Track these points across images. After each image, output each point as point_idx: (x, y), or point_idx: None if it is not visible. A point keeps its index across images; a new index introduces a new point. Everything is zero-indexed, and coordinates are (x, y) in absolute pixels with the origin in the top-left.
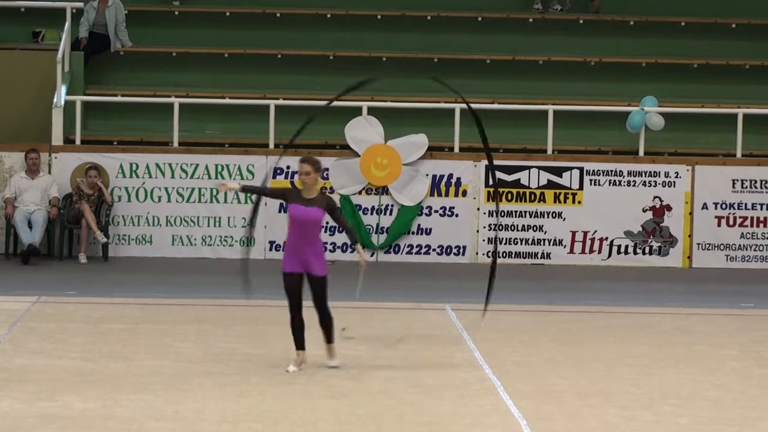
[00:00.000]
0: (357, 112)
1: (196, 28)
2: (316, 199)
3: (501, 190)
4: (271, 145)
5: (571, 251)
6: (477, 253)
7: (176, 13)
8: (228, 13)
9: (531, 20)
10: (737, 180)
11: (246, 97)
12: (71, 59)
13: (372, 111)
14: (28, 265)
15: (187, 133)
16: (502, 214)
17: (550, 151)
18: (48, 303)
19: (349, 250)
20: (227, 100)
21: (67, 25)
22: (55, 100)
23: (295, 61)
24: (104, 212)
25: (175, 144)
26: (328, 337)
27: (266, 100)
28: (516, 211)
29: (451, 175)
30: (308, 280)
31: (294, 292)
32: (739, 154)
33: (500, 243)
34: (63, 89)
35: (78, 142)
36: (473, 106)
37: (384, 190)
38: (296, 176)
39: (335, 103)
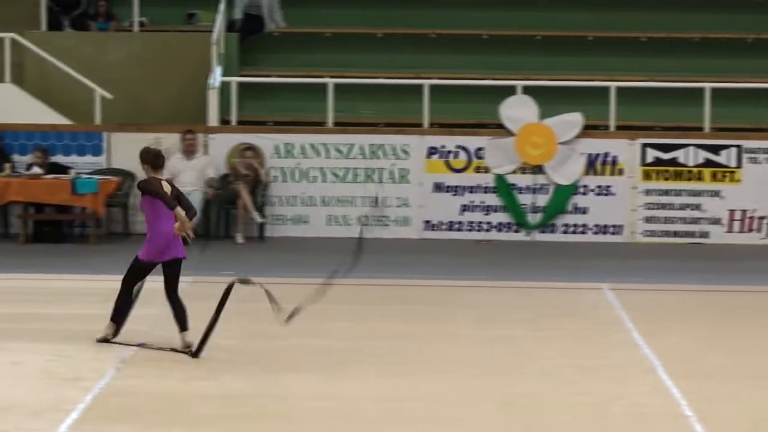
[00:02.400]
0: (512, 91)
1: (350, 8)
2: None
3: (657, 168)
4: (426, 125)
5: (729, 230)
6: (634, 232)
7: None
8: None
9: None
10: None
11: (400, 77)
12: (226, 40)
13: (527, 90)
14: (186, 246)
15: (341, 113)
16: (660, 192)
17: (707, 129)
18: (205, 283)
19: (504, 229)
20: (381, 80)
21: (222, 6)
22: (210, 81)
23: (449, 40)
24: (260, 192)
25: (330, 124)
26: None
27: (420, 80)
28: (673, 190)
29: (606, 154)
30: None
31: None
32: None
33: (657, 222)
34: (218, 71)
35: (234, 122)
36: (626, 84)
37: (539, 170)
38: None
39: (490, 82)
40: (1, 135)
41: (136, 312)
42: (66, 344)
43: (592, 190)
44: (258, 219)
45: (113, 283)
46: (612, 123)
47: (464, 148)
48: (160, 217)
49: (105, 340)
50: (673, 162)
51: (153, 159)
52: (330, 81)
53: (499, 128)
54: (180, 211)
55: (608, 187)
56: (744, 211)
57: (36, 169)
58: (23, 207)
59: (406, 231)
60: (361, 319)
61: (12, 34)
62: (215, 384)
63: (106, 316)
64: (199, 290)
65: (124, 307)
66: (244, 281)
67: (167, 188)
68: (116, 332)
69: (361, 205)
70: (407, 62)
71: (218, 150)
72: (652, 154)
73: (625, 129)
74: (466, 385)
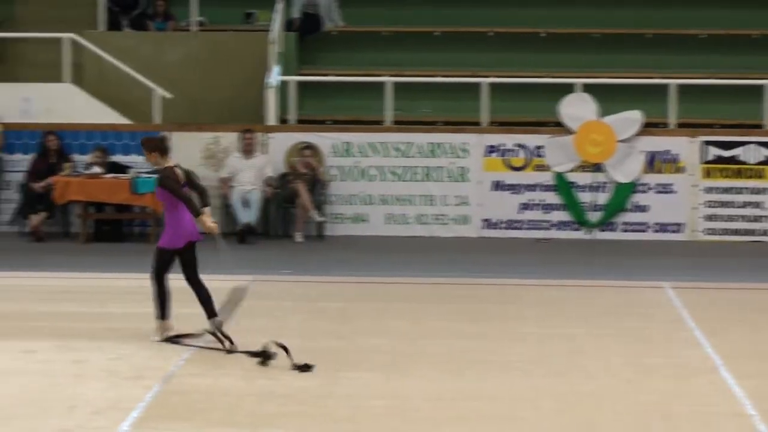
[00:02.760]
0: (571, 89)
1: (408, 7)
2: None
3: (718, 166)
4: (484, 123)
5: None
6: (694, 231)
7: None
8: None
9: None
10: None
11: (458, 75)
12: (284, 40)
13: (586, 88)
14: (245, 245)
15: (400, 111)
16: (721, 190)
17: None
18: (265, 282)
19: (564, 228)
20: (439, 79)
21: (280, 5)
22: (269, 80)
23: (507, 38)
24: (319, 191)
25: (388, 123)
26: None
27: (478, 78)
28: (734, 188)
29: (667, 152)
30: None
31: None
32: None
33: (718, 220)
34: (276, 70)
35: (292, 122)
36: (686, 81)
37: (599, 168)
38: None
39: (549, 80)
40: (60, 135)
41: (198, 311)
42: (127, 343)
43: (652, 188)
44: (317, 218)
45: (174, 282)
46: (672, 120)
47: (523, 147)
48: (180, 205)
49: (167, 340)
50: (733, 160)
51: (161, 145)
52: (388, 80)
53: (558, 126)
54: (204, 218)
55: (668, 185)
56: None
57: (95, 169)
58: (83, 206)
59: (465, 229)
60: (420, 318)
61: (71, 35)
62: (276, 383)
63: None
64: (259, 289)
65: (165, 300)
66: (281, 346)
67: (179, 174)
68: (170, 327)
69: (419, 204)
70: (465, 60)
71: (277, 149)
72: (712, 152)
73: (685, 126)
74: (526, 384)
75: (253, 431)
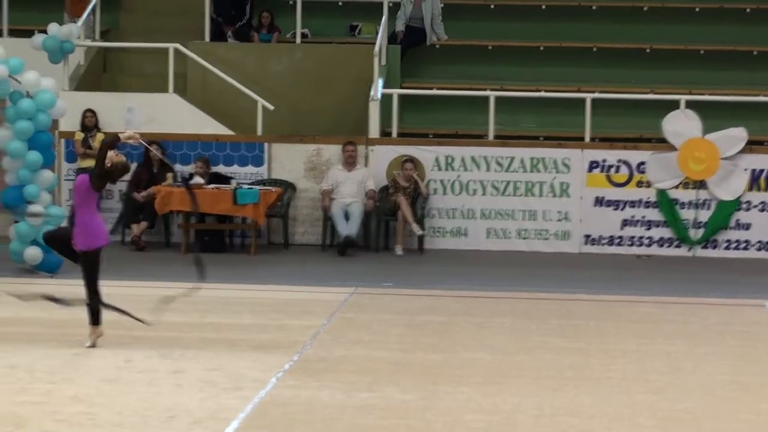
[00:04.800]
0: (675, 105)
1: (512, 21)
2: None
3: None
4: (587, 139)
5: None
6: None
7: (492, 6)
8: (544, 6)
9: None
10: None
11: (561, 90)
12: (388, 53)
13: (690, 104)
14: (345, 257)
15: (501, 126)
16: None
17: None
18: (365, 294)
19: (666, 245)
20: (542, 93)
21: (384, 18)
22: (372, 93)
23: (611, 54)
24: (420, 205)
25: (491, 137)
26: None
27: (582, 93)
28: None
29: None
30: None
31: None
32: None
33: None
34: (380, 82)
35: (394, 134)
36: None
37: (701, 185)
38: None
39: (653, 96)
40: (163, 145)
41: (297, 323)
42: (226, 353)
43: (755, 206)
44: (417, 231)
45: (274, 293)
46: None
47: (626, 163)
48: (91, 205)
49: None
50: None
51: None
52: (491, 94)
53: (661, 143)
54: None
55: None
56: None
57: (197, 179)
58: (184, 217)
59: (566, 245)
60: (520, 333)
61: (176, 45)
62: (377, 395)
63: (267, 325)
64: (358, 301)
65: (101, 306)
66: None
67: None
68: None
69: (520, 219)
70: (569, 75)
71: (378, 162)
72: None
73: None
74: (625, 401)
75: None
